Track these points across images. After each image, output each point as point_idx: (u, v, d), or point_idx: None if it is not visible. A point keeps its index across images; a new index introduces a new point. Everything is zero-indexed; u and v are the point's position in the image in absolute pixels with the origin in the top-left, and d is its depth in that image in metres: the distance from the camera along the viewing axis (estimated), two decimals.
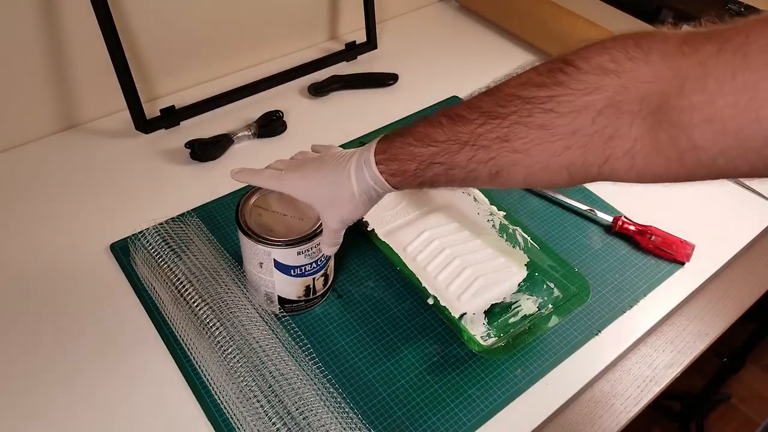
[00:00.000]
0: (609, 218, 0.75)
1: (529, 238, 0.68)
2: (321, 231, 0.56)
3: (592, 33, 0.99)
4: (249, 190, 0.60)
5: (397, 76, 0.98)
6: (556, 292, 0.65)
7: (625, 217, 0.75)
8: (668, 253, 0.72)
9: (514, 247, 0.69)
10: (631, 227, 0.74)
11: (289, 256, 0.57)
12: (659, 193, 0.81)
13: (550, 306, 0.63)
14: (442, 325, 0.64)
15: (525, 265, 0.68)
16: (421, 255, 0.69)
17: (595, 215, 0.76)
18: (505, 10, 1.10)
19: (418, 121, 0.45)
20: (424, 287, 0.61)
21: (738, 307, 0.72)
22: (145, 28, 0.84)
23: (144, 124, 0.85)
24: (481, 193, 0.72)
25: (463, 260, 0.68)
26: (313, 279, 0.61)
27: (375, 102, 0.95)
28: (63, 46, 0.79)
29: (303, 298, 0.62)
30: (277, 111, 0.87)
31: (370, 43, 1.04)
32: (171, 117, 0.87)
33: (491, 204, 0.71)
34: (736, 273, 0.75)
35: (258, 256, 0.57)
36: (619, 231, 0.74)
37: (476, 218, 0.72)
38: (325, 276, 0.63)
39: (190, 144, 0.82)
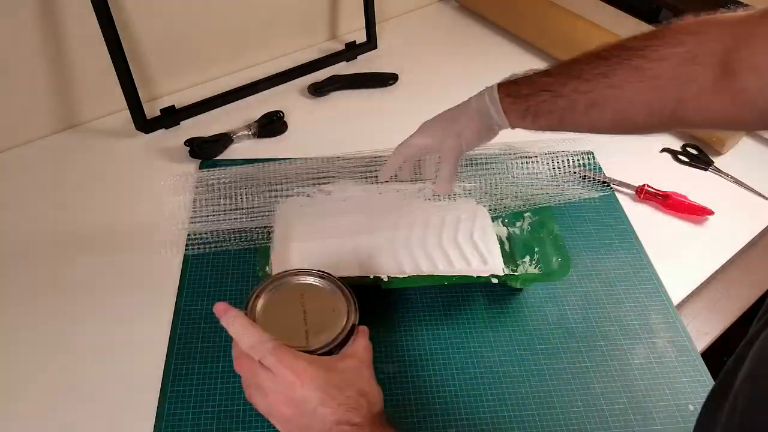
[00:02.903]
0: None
1: (466, 184, 0.73)
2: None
3: (591, 33, 0.99)
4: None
5: (397, 76, 0.98)
6: (513, 204, 0.72)
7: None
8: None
9: (455, 200, 0.74)
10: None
11: None
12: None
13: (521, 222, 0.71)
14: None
15: (477, 203, 0.74)
16: (424, 264, 0.68)
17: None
18: (505, 10, 1.10)
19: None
20: (477, 276, 0.63)
21: (738, 307, 0.72)
22: (146, 28, 0.84)
23: (144, 124, 0.85)
24: (400, 183, 0.73)
25: (445, 240, 0.70)
26: None
27: (375, 102, 0.95)
28: (63, 46, 0.79)
29: None
30: (278, 111, 0.87)
31: (370, 43, 1.04)
32: (171, 117, 0.87)
33: (415, 182, 0.72)
34: (736, 273, 0.75)
35: None
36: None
37: (408, 206, 0.73)
38: None
39: (189, 142, 0.82)
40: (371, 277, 0.61)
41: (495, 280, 0.63)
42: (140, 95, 0.83)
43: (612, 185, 0.81)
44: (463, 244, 0.69)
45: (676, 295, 0.70)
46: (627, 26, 1.12)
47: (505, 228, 0.73)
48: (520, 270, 0.68)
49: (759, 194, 0.83)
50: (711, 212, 0.78)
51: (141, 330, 0.63)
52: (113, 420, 0.56)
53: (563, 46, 1.02)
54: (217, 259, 0.69)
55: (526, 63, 1.03)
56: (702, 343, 0.67)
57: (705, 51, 0.47)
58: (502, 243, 0.71)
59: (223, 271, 0.68)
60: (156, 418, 0.56)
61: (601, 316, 0.67)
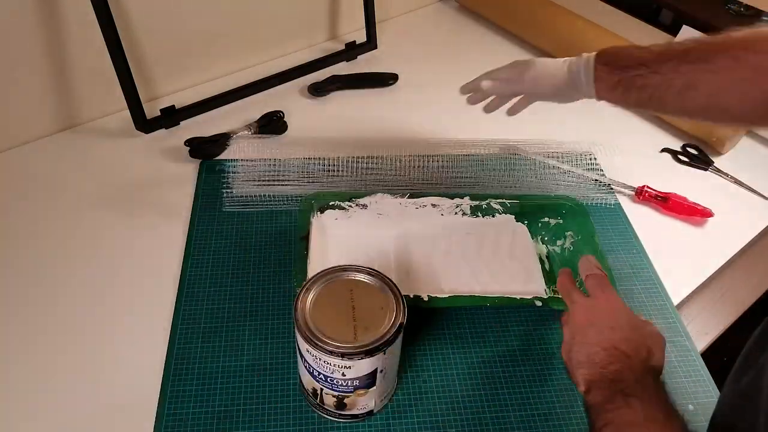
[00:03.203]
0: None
1: (505, 201, 0.72)
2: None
3: (591, 33, 0.99)
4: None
5: (397, 76, 0.98)
6: (552, 222, 0.71)
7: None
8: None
9: (494, 216, 0.73)
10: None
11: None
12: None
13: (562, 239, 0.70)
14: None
15: (517, 221, 0.73)
16: (463, 283, 0.67)
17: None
18: (505, 10, 1.10)
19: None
20: (519, 298, 0.62)
21: (738, 308, 0.72)
22: (146, 28, 0.84)
23: (144, 124, 0.85)
24: (437, 198, 0.72)
25: (485, 259, 0.70)
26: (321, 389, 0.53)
27: (375, 102, 0.95)
28: (63, 46, 0.79)
29: (312, 397, 0.56)
30: (278, 111, 0.87)
31: (370, 43, 1.04)
32: (171, 117, 0.87)
33: (453, 197, 0.72)
34: (736, 273, 0.75)
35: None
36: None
37: (446, 223, 0.73)
38: (338, 399, 0.53)
39: (189, 142, 0.82)
40: (411, 296, 0.60)
41: (539, 303, 0.61)
42: (140, 95, 0.83)
43: (612, 186, 0.81)
44: (504, 264, 0.69)
45: (676, 295, 0.70)
46: (627, 26, 1.12)
47: (545, 246, 0.71)
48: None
49: (759, 194, 0.83)
50: (711, 214, 0.77)
51: (141, 330, 0.63)
52: (113, 420, 0.56)
53: (563, 45, 1.01)
54: (217, 259, 0.69)
55: None
56: (702, 343, 0.67)
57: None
58: (542, 262, 0.70)
59: (223, 271, 0.68)
60: (156, 418, 0.56)
61: None
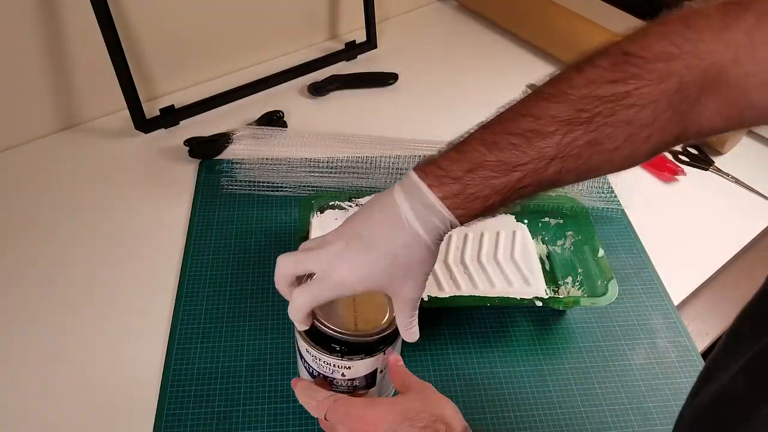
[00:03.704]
0: None
1: None
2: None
3: (592, 32, 0.99)
4: None
5: (397, 76, 0.97)
6: (552, 222, 0.71)
7: None
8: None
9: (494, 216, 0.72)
10: None
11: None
12: (658, 191, 0.82)
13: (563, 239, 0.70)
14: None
15: (517, 221, 0.73)
16: (463, 284, 0.67)
17: None
18: (505, 10, 1.10)
19: (473, 150, 0.40)
20: (520, 298, 0.61)
21: (738, 308, 0.72)
22: (145, 28, 0.84)
23: (144, 124, 0.85)
24: None
25: (484, 258, 0.69)
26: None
27: (375, 101, 0.95)
28: (63, 46, 0.79)
29: None
30: (278, 111, 0.87)
31: (370, 43, 1.03)
32: (170, 116, 0.86)
33: None
34: (736, 273, 0.75)
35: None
36: None
37: None
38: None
39: (189, 142, 0.82)
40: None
41: (539, 303, 0.60)
42: (140, 95, 0.83)
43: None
44: (504, 264, 0.69)
45: (676, 295, 0.70)
46: (627, 25, 1.12)
47: (545, 246, 0.71)
48: (562, 290, 0.67)
49: (759, 194, 0.83)
50: (681, 172, 0.83)
51: (140, 330, 0.63)
52: (113, 420, 0.56)
53: (563, 45, 1.02)
54: (217, 259, 0.69)
55: (526, 62, 1.05)
56: (702, 343, 0.67)
57: (696, 73, 0.37)
58: (542, 262, 0.70)
59: (223, 271, 0.68)
60: (156, 418, 0.56)
61: (601, 316, 0.67)
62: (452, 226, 0.41)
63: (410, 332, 0.46)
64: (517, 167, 0.39)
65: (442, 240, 0.42)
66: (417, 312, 0.45)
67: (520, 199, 0.41)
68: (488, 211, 0.41)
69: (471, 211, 0.41)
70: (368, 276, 0.41)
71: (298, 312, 0.44)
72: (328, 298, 0.43)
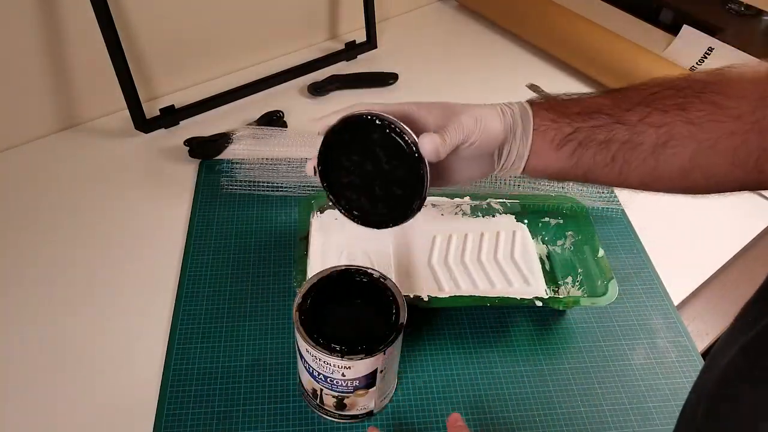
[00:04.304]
0: None
1: (506, 201, 0.72)
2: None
3: (592, 32, 0.99)
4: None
5: (397, 76, 0.97)
6: (552, 222, 0.71)
7: None
8: None
9: (494, 216, 0.72)
10: None
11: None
12: None
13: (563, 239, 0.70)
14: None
15: (517, 221, 0.73)
16: (463, 284, 0.67)
17: None
18: (505, 10, 1.10)
19: (592, 99, 0.43)
20: (520, 298, 0.60)
21: (738, 308, 0.72)
22: (145, 28, 0.84)
23: (143, 124, 0.85)
24: (437, 197, 0.71)
25: (484, 258, 0.69)
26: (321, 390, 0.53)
27: (375, 101, 0.94)
28: (63, 46, 0.79)
29: (312, 398, 0.56)
30: (278, 111, 0.87)
31: (370, 43, 1.03)
32: (170, 116, 0.86)
33: (453, 197, 0.72)
34: (735, 273, 0.75)
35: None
36: None
37: (446, 222, 0.72)
38: (339, 400, 0.53)
39: (189, 142, 0.82)
40: (411, 296, 0.60)
41: (539, 303, 0.60)
42: (140, 95, 0.83)
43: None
44: (504, 263, 0.69)
45: (676, 295, 0.70)
46: (627, 25, 1.12)
47: (545, 246, 0.71)
48: (562, 291, 0.66)
49: (759, 194, 0.83)
50: None
51: (141, 330, 0.63)
52: (113, 420, 0.56)
53: (564, 45, 1.02)
54: (217, 259, 0.69)
55: (526, 62, 1.05)
56: (702, 343, 0.67)
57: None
58: (542, 262, 0.70)
59: (223, 271, 0.68)
60: (156, 418, 0.56)
61: (601, 316, 0.67)
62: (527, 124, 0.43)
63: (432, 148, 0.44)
64: (602, 101, 0.42)
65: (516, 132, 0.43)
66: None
67: (595, 137, 0.41)
68: (570, 127, 0.42)
69: (560, 112, 0.42)
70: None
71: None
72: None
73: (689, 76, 0.41)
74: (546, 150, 0.42)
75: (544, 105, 0.43)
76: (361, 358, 0.48)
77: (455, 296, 0.62)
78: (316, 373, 0.51)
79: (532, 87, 0.98)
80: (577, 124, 0.41)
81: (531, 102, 0.44)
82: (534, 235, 0.72)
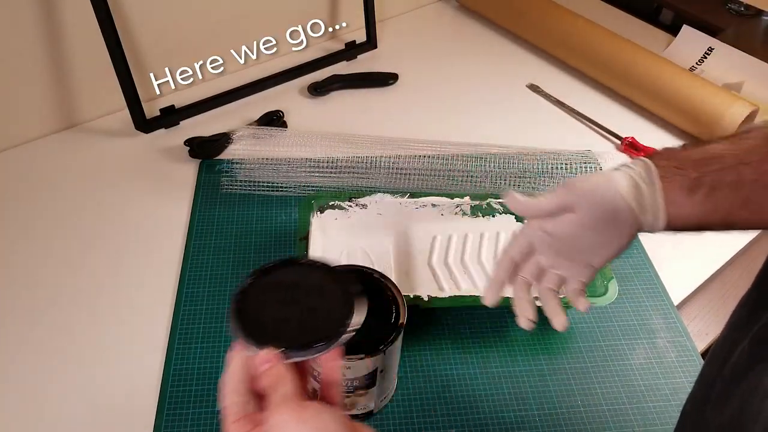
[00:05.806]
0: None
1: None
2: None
3: (592, 32, 0.99)
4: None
5: (397, 76, 0.97)
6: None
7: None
8: None
9: (494, 216, 0.72)
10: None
11: None
12: None
13: None
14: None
15: (517, 221, 0.72)
16: (463, 283, 0.67)
17: None
18: (505, 10, 1.10)
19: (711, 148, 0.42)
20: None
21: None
22: (145, 28, 0.84)
23: (144, 124, 0.85)
24: (437, 198, 0.71)
25: (484, 258, 0.70)
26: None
27: (375, 101, 0.95)
28: (63, 46, 0.79)
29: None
30: (278, 111, 0.87)
31: (370, 43, 1.03)
32: (171, 116, 0.86)
33: (453, 197, 0.71)
34: (736, 273, 0.75)
35: None
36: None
37: (446, 222, 0.72)
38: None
39: (189, 142, 0.82)
40: (411, 296, 0.60)
41: (539, 303, 0.60)
42: (140, 95, 0.83)
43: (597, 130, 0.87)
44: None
45: (676, 295, 0.70)
46: (627, 25, 1.12)
47: None
48: (561, 290, 0.66)
49: None
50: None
51: (140, 330, 0.63)
52: (113, 420, 0.56)
53: (564, 45, 1.02)
54: (217, 259, 0.69)
55: (526, 62, 1.05)
56: (702, 343, 0.67)
57: None
58: None
59: (223, 271, 0.68)
60: (156, 418, 0.56)
61: (601, 316, 0.67)
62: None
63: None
64: (719, 155, 0.41)
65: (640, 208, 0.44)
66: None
67: (721, 183, 0.41)
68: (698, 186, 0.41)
69: (681, 160, 0.42)
70: None
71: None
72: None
73: None
74: (679, 197, 0.42)
75: (663, 155, 0.43)
76: (361, 358, 0.48)
77: (455, 296, 0.62)
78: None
79: (532, 87, 0.98)
80: (702, 169, 0.41)
81: (649, 156, 0.44)
82: None
